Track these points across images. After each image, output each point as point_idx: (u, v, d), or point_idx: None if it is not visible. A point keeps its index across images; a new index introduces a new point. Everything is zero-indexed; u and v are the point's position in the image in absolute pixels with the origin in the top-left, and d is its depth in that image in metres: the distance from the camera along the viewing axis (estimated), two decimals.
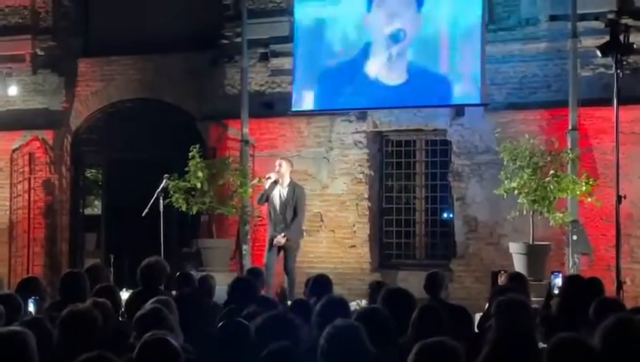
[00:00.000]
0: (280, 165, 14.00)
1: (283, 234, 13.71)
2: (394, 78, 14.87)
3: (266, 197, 13.97)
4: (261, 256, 14.36)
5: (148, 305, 6.42)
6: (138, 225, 14.40)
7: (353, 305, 10.08)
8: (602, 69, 13.61)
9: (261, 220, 15.14)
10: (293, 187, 13.96)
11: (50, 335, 5.88)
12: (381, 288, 7.80)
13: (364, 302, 10.50)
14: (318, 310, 6.30)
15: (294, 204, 13.83)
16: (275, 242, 13.74)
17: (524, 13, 14.51)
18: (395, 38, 14.90)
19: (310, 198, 15.41)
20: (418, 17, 14.81)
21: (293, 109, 15.50)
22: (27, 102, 17.64)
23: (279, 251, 13.86)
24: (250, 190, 14.93)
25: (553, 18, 14.29)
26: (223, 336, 5.71)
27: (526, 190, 12.87)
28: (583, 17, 13.83)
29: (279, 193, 13.89)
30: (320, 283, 8.97)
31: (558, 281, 8.60)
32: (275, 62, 15.98)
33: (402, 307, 6.28)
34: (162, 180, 14.20)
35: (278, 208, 13.86)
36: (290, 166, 14.16)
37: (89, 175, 19.14)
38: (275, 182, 13.91)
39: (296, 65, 15.45)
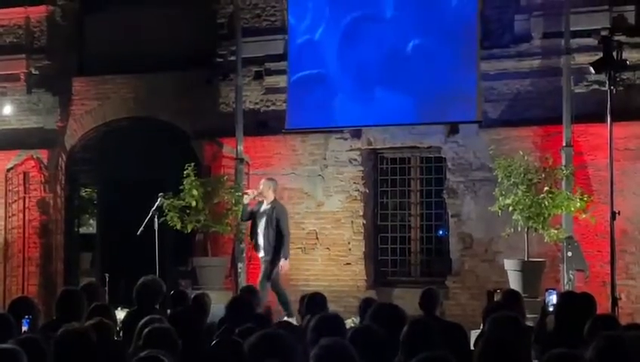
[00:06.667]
0: (262, 185, 14.19)
1: (284, 258, 13.83)
2: (389, 94, 14.92)
3: (249, 215, 14.18)
4: (256, 275, 14.28)
5: (158, 324, 6.41)
6: (133, 243, 14.37)
7: (348, 323, 10.06)
8: (596, 86, 13.65)
9: None
10: (274, 206, 14.04)
11: (44, 355, 5.85)
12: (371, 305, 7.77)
13: (358, 320, 10.48)
14: (313, 326, 6.27)
15: (274, 223, 13.87)
16: (284, 271, 13.90)
17: (518, 30, 14.55)
18: (390, 55, 14.97)
19: (305, 216, 15.45)
20: (413, 34, 14.87)
21: (288, 127, 15.52)
22: (22, 121, 17.64)
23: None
24: None
25: (546, 35, 14.34)
26: (215, 354, 5.69)
27: (520, 207, 12.88)
28: (576, 34, 13.87)
29: (260, 211, 14.04)
30: (315, 302, 8.96)
31: (553, 299, 8.57)
32: (270, 80, 16.01)
33: (393, 323, 6.21)
34: (157, 199, 14.20)
35: (257, 226, 14.02)
36: (271, 185, 14.22)
37: (84, 194, 19.12)
38: (261, 201, 14.10)
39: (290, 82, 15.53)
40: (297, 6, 15.72)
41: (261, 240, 13.92)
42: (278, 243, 13.83)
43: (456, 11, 14.55)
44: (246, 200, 14.16)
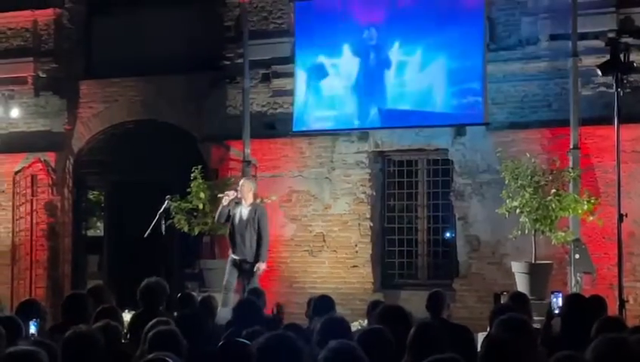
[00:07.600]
0: (242, 185, 13.82)
1: (262, 261, 13.48)
2: (397, 98, 14.93)
3: (227, 216, 13.74)
4: (264, 278, 14.25)
5: (163, 327, 6.42)
6: (140, 246, 14.40)
7: (355, 326, 10.08)
8: (603, 88, 13.63)
9: None
10: (255, 207, 13.76)
11: (55, 359, 5.86)
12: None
13: (366, 322, 10.48)
14: (318, 329, 6.28)
15: (255, 224, 13.57)
16: (260, 272, 13.50)
17: (525, 32, 14.54)
18: (399, 59, 14.98)
19: (312, 218, 15.45)
20: (420, 37, 14.87)
21: (295, 129, 15.52)
22: (29, 124, 17.68)
23: (240, 272, 13.60)
24: None
25: (553, 37, 14.33)
26: (223, 356, 5.70)
27: (528, 209, 12.87)
28: (584, 36, 13.87)
29: (240, 213, 13.67)
30: (323, 305, 8.95)
31: (559, 301, 8.58)
32: (277, 82, 16.01)
33: (398, 324, 6.20)
34: (164, 201, 14.20)
35: (237, 228, 13.62)
36: (252, 186, 13.98)
37: (91, 197, 19.16)
38: (238, 203, 13.73)
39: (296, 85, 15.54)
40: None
41: (241, 243, 13.55)
42: (258, 246, 13.54)
43: (462, 14, 14.55)
44: (225, 201, 13.69)
